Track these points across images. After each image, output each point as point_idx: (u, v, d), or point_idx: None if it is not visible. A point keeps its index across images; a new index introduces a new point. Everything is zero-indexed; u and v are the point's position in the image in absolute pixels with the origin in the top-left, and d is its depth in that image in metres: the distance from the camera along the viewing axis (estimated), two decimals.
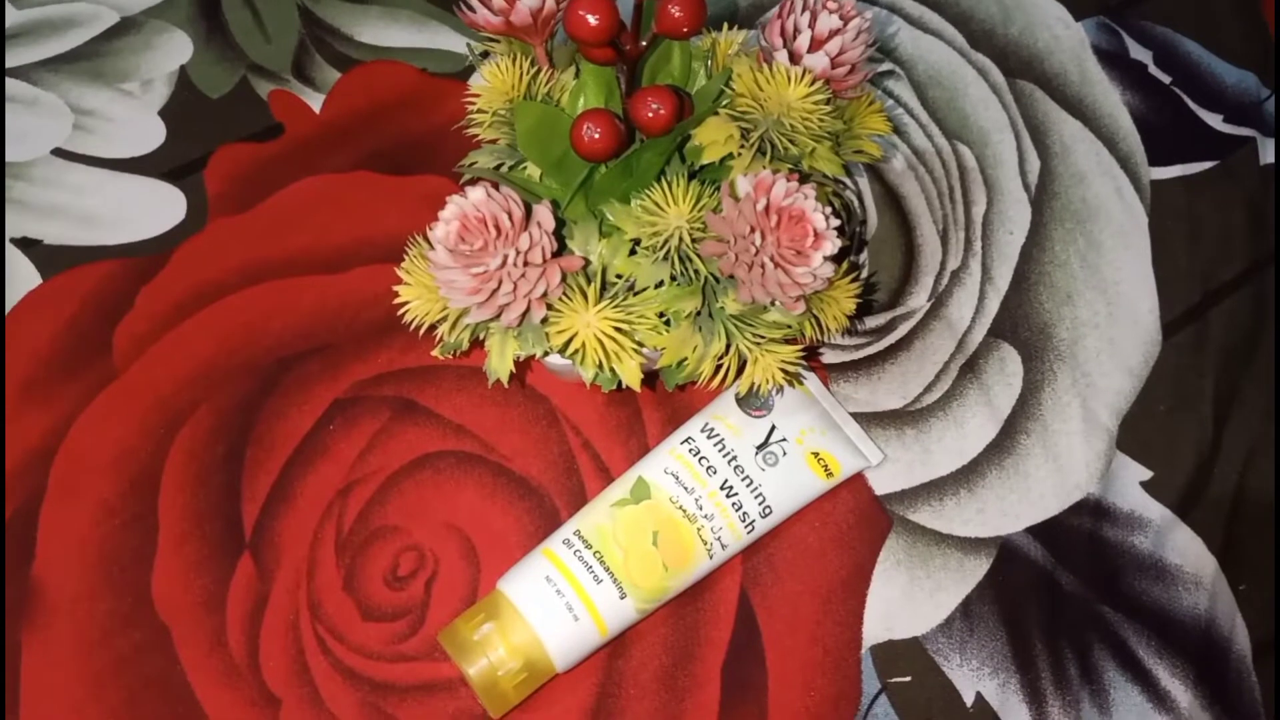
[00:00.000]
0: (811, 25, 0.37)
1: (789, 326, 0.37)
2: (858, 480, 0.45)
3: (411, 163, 0.51)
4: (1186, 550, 0.45)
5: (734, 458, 0.42)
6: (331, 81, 0.54)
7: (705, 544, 0.41)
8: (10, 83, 0.53)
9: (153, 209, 0.51)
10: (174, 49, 0.54)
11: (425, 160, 0.51)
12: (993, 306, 0.49)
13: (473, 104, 0.39)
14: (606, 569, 0.40)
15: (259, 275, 0.49)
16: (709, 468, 0.42)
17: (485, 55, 0.41)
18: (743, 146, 0.36)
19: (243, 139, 0.52)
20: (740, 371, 0.38)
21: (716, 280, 0.37)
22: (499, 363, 0.37)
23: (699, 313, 0.37)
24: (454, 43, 0.55)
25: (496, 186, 0.34)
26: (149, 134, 0.52)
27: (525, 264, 0.34)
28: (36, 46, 0.54)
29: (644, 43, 0.34)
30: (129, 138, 0.52)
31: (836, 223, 0.34)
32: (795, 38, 0.37)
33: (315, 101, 0.53)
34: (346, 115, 0.53)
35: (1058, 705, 0.42)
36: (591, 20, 0.31)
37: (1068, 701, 0.42)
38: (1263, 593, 0.44)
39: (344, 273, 0.49)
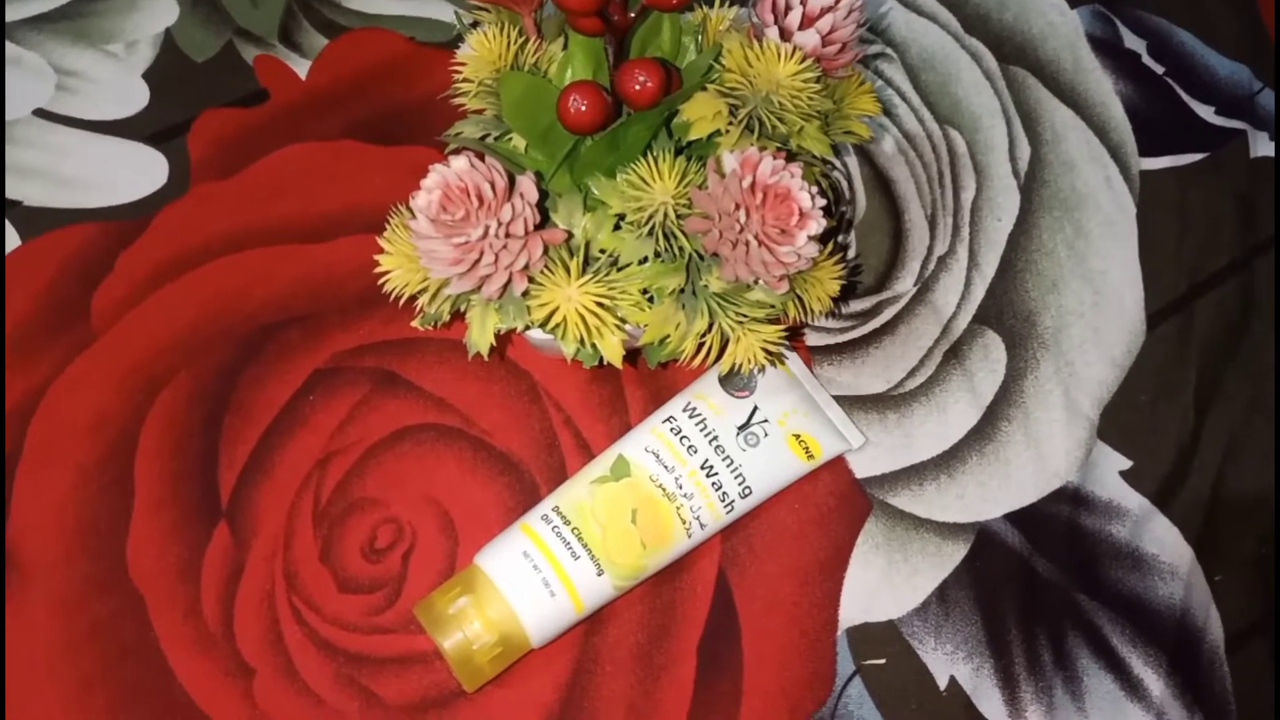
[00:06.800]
0: (803, 2, 0.36)
1: (772, 306, 0.37)
2: (838, 463, 0.45)
3: (398, 132, 0.51)
4: (1163, 540, 0.45)
5: (715, 437, 0.42)
6: (318, 48, 0.53)
7: (684, 523, 0.41)
8: None
9: (134, 173, 0.50)
10: (159, 11, 0.54)
11: (412, 130, 0.51)
12: (978, 293, 0.49)
13: (459, 73, 0.39)
14: (584, 546, 0.40)
15: (241, 242, 0.48)
16: (690, 447, 0.42)
17: (475, 25, 0.40)
18: (731, 123, 0.36)
19: (227, 104, 0.52)
20: (722, 350, 0.37)
21: (701, 258, 0.37)
22: (479, 335, 0.36)
23: (682, 290, 0.37)
24: (443, 11, 0.54)
25: (481, 157, 0.34)
26: (132, 97, 0.52)
27: (507, 235, 0.33)
28: (20, 5, 0.53)
29: (632, 14, 0.34)
30: (112, 100, 0.52)
31: (822, 202, 0.34)
32: (786, 14, 0.36)
33: (301, 68, 0.53)
34: (333, 83, 0.52)
35: (1031, 691, 0.42)
36: None
37: (1041, 688, 0.42)
38: (1238, 584, 0.44)
39: (327, 242, 0.49)
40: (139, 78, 0.52)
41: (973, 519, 0.45)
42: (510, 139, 0.39)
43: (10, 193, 0.49)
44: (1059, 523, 0.45)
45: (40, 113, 0.51)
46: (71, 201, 0.49)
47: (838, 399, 0.46)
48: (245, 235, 0.49)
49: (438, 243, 0.33)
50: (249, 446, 0.45)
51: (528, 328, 0.37)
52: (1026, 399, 0.47)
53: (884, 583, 0.44)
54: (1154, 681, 0.42)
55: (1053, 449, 0.46)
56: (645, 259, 0.36)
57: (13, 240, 0.48)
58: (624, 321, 0.37)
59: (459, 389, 0.46)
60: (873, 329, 0.48)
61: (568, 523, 0.40)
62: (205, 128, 0.51)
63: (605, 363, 0.37)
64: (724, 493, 0.41)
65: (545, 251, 0.35)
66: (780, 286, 0.35)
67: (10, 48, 0.52)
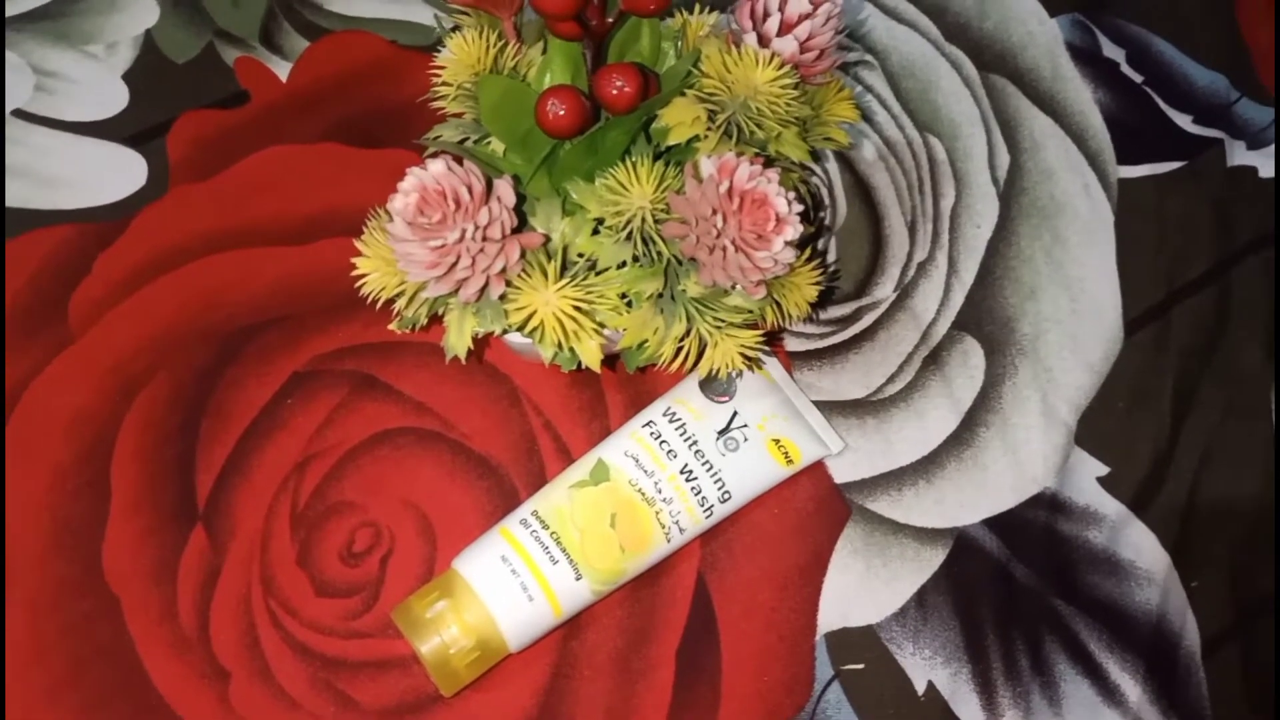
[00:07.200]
0: (781, 9, 0.36)
1: (750, 311, 0.37)
2: (818, 468, 0.45)
3: (379, 135, 0.51)
4: (1140, 546, 0.45)
5: (695, 442, 0.42)
6: (299, 50, 0.53)
7: (663, 527, 0.41)
8: None
9: (113, 174, 0.50)
10: (140, 12, 0.53)
11: (393, 133, 0.51)
12: (957, 299, 0.49)
13: (438, 77, 0.39)
14: (563, 550, 0.40)
15: (220, 244, 0.48)
16: (669, 451, 0.42)
17: (455, 28, 0.40)
18: (709, 128, 0.36)
19: (207, 106, 0.51)
20: (700, 355, 0.38)
21: (679, 262, 0.37)
22: (457, 339, 0.36)
23: (661, 294, 0.37)
24: (425, 14, 0.54)
25: (459, 160, 0.34)
26: (112, 98, 0.51)
27: (484, 239, 0.33)
28: None
29: (610, 19, 0.34)
30: (92, 101, 0.51)
31: (799, 208, 0.34)
32: (765, 20, 0.37)
33: (282, 70, 0.52)
34: (314, 85, 0.52)
35: (1008, 696, 0.42)
36: None
37: (1018, 693, 0.42)
38: (1214, 590, 0.44)
39: (307, 244, 0.49)
40: (119, 79, 0.52)
41: (951, 524, 0.45)
42: (489, 143, 0.39)
43: None
44: (1036, 528, 0.45)
45: (19, 113, 0.51)
46: (50, 202, 0.49)
47: (817, 404, 0.46)
48: (224, 237, 0.48)
49: (414, 246, 0.33)
50: (227, 449, 0.45)
51: (505, 331, 0.37)
52: (1005, 405, 0.47)
53: (862, 588, 0.44)
54: (1130, 687, 0.43)
55: (1030, 455, 0.46)
56: (623, 263, 0.36)
57: None
58: (602, 326, 0.37)
59: (438, 393, 0.46)
60: (852, 335, 0.48)
61: (546, 527, 0.40)
62: (185, 129, 0.51)
63: (584, 367, 0.37)
64: (703, 497, 0.41)
65: (523, 255, 0.35)
66: (757, 292, 0.36)
67: None
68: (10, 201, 0.49)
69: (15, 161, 0.50)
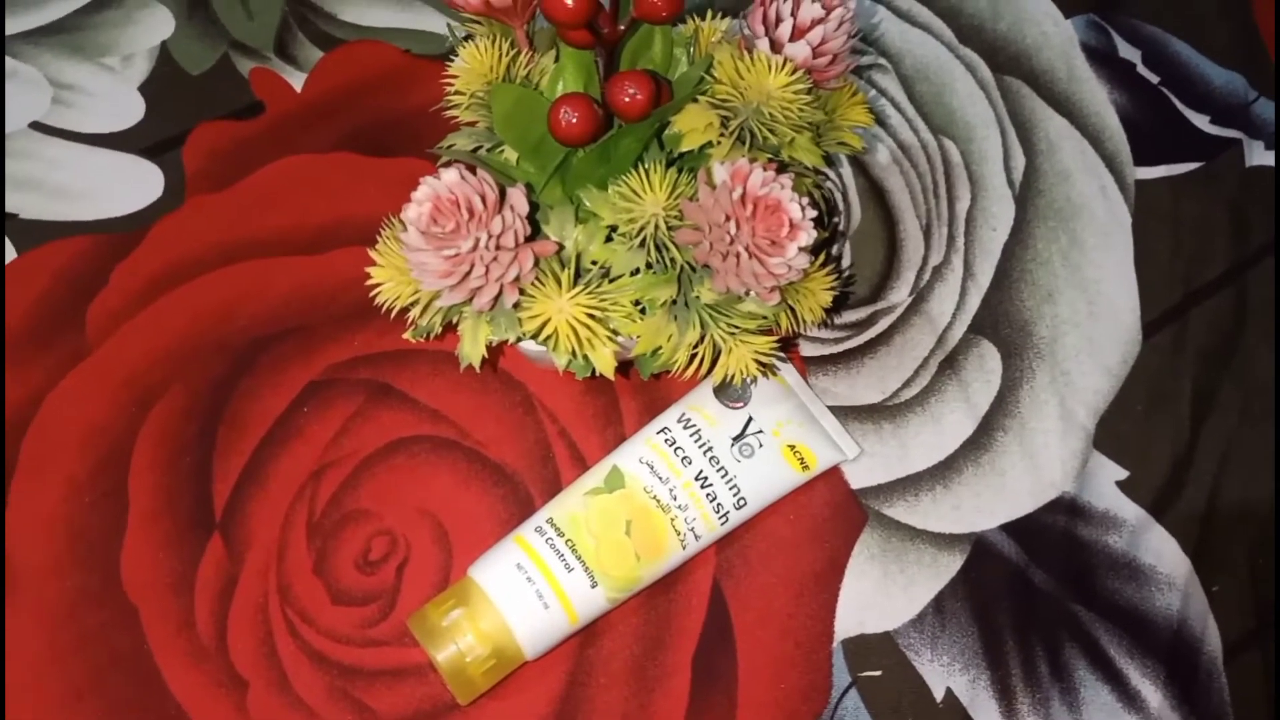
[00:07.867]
0: (794, 13, 0.36)
1: (764, 317, 0.37)
2: (834, 474, 0.45)
3: (393, 144, 0.51)
4: (1160, 550, 0.45)
5: (710, 448, 0.42)
6: (314, 60, 0.53)
7: (678, 534, 0.41)
8: None
9: (130, 185, 0.50)
10: (156, 24, 0.54)
11: (407, 142, 0.51)
12: (974, 303, 0.49)
13: (451, 86, 0.39)
14: (578, 557, 0.40)
15: (235, 255, 0.48)
16: (684, 458, 0.42)
17: (467, 37, 0.40)
18: (722, 135, 0.36)
19: (223, 116, 0.52)
20: (715, 362, 0.37)
21: (692, 269, 0.37)
22: (471, 347, 0.36)
23: (674, 301, 0.37)
24: (438, 24, 0.54)
25: (472, 169, 0.34)
26: (128, 109, 0.52)
27: (497, 247, 0.33)
28: (17, 18, 0.54)
29: (622, 26, 0.34)
30: (108, 113, 0.52)
31: (813, 213, 0.34)
32: (777, 26, 0.36)
33: (297, 80, 0.53)
34: (328, 95, 0.52)
35: (1027, 702, 0.42)
36: (568, 1, 0.31)
37: (1038, 699, 0.42)
38: (1235, 594, 0.44)
39: (322, 254, 0.49)
40: (135, 91, 0.52)
41: (969, 530, 0.45)
42: (502, 151, 0.39)
43: (6, 205, 0.49)
44: (1055, 533, 0.45)
45: (36, 125, 0.51)
46: (67, 214, 0.49)
47: (833, 409, 0.46)
48: (240, 247, 0.49)
49: (428, 255, 0.33)
50: (243, 459, 0.45)
51: (519, 339, 0.37)
52: (1022, 409, 0.47)
53: (880, 594, 0.43)
54: (1151, 693, 0.42)
55: (1048, 459, 0.46)
56: (637, 270, 0.36)
57: (8, 253, 0.48)
58: (616, 333, 0.37)
59: (453, 401, 0.46)
60: (868, 339, 0.48)
61: (561, 534, 0.40)
62: (200, 140, 0.51)
63: (598, 374, 0.37)
64: (718, 504, 0.41)
65: (536, 263, 0.35)
66: (771, 298, 0.35)
67: (7, 61, 0.53)
68: (27, 213, 0.49)
69: (32, 173, 0.50)
